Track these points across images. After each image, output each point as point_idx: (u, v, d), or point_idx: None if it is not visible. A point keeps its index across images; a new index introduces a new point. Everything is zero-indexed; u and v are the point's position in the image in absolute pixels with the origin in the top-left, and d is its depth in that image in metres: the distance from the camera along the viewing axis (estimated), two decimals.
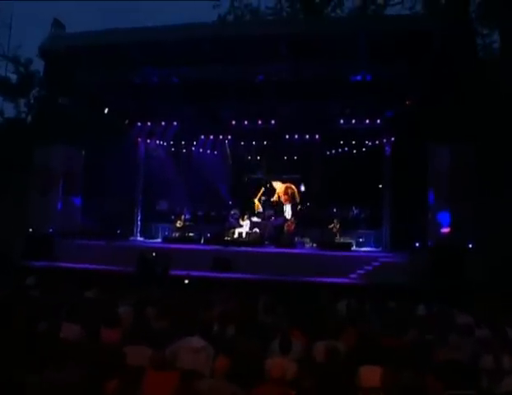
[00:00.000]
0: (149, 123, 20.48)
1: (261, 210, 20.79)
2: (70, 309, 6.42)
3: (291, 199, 22.52)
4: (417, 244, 15.55)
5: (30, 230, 17.27)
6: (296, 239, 18.10)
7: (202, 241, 18.64)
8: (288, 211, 20.30)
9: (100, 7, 47.82)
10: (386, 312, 7.46)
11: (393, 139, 18.45)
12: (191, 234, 19.15)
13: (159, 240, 20.10)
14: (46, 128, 17.90)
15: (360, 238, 18.82)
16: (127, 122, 20.31)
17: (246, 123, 19.39)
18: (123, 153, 19.56)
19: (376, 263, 13.82)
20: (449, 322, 6.69)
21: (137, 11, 42.48)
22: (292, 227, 18.41)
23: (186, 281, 11.31)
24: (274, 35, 14.65)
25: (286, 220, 18.95)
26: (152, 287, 9.99)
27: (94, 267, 15.32)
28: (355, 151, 20.07)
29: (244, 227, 18.36)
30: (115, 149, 18.94)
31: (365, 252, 17.11)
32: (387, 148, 18.61)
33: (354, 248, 17.94)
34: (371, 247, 18.51)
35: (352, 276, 13.48)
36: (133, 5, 46.02)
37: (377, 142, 19.22)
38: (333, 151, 21.07)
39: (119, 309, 6.75)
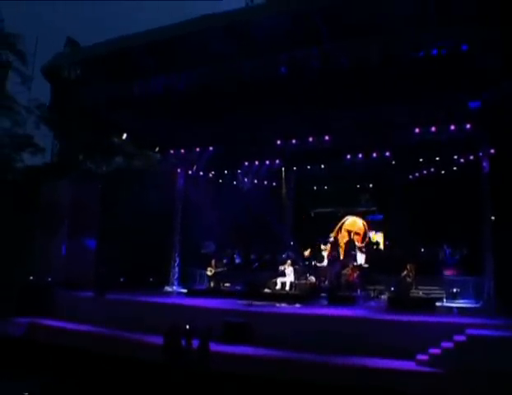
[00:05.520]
0: (182, 150, 16.96)
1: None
2: None
3: (365, 239, 18.16)
4: None
5: (31, 277, 14.40)
6: (359, 291, 13.35)
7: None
8: (360, 253, 15.79)
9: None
10: None
11: (492, 151, 13.29)
12: (226, 285, 15.15)
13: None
14: (58, 160, 15.24)
15: (453, 287, 13.69)
16: (157, 150, 17.15)
17: (294, 141, 15.22)
18: (154, 186, 16.44)
19: (460, 337, 8.51)
20: None
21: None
22: (354, 275, 13.72)
23: None
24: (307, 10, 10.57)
25: (345, 264, 14.19)
26: None
27: (87, 329, 11.94)
28: (443, 172, 15.38)
29: (288, 276, 13.95)
30: (143, 182, 15.94)
31: (449, 312, 11.79)
32: (485, 163, 13.31)
33: (444, 302, 12.96)
34: (469, 300, 13.40)
35: (421, 357, 8.42)
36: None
37: (471, 157, 14.20)
38: (417, 174, 16.62)
39: None
